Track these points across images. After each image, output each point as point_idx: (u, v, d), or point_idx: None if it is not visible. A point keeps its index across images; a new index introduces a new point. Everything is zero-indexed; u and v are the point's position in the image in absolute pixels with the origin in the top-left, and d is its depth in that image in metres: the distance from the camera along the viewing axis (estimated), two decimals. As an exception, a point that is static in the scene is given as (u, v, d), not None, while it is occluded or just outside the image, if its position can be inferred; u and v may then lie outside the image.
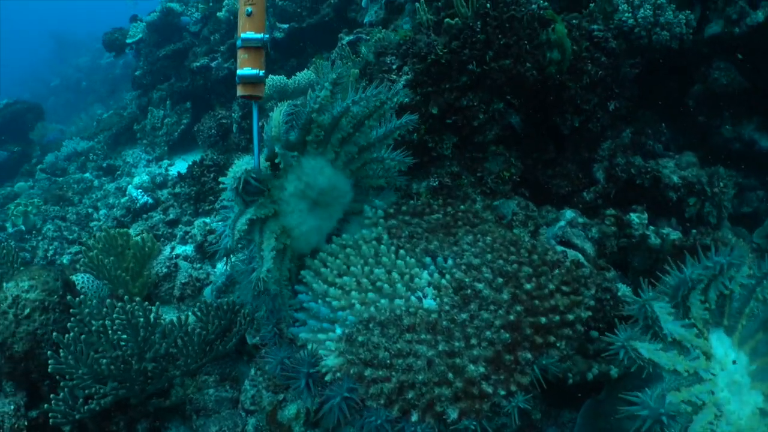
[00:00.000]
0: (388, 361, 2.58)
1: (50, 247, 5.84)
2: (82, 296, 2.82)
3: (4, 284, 3.17)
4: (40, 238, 6.57)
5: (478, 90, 3.65)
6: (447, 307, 2.80)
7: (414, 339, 2.66)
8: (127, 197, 6.48)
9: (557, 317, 2.77)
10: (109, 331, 2.84)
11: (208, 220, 5.69)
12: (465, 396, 2.51)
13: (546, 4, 3.87)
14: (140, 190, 6.40)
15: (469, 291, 2.86)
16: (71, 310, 2.82)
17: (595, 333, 2.98)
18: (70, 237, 6.15)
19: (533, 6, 3.74)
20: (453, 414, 2.44)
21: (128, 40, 8.69)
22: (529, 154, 4.12)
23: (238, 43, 2.69)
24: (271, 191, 2.94)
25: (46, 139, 10.55)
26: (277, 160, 2.87)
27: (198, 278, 4.61)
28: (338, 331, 2.76)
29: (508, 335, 2.66)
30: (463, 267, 3.00)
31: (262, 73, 2.71)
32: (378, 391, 2.51)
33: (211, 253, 5.04)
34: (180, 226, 5.71)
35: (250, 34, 2.66)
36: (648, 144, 4.59)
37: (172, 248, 5.26)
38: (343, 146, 3.11)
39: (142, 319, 2.87)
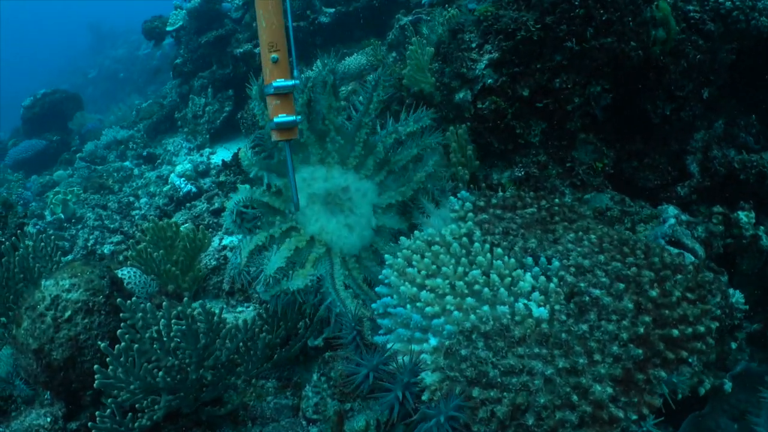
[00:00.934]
0: (499, 380, 2.08)
1: (90, 237, 5.43)
2: (133, 299, 2.34)
3: (43, 282, 2.71)
4: (80, 226, 6.17)
5: (572, 71, 3.13)
6: (563, 317, 2.29)
7: (526, 353, 2.16)
8: (169, 185, 6.05)
9: (689, 329, 2.27)
10: (165, 338, 2.37)
11: (254, 210, 5.24)
12: (593, 421, 2.02)
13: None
14: (183, 179, 5.96)
15: (585, 298, 2.36)
16: (121, 315, 2.35)
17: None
18: (111, 226, 5.73)
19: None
20: (581, 445, 1.95)
21: (168, 28, 8.23)
22: (611, 143, 3.59)
23: (269, 90, 2.56)
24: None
25: (85, 128, 10.18)
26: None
27: (248, 271, 4.14)
28: (433, 341, 2.26)
29: (640, 351, 2.15)
30: (572, 269, 2.49)
31: (298, 118, 2.59)
32: (488, 415, 2.02)
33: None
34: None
35: (280, 82, 2.53)
36: (740, 136, 4.02)
37: (221, 239, 4.81)
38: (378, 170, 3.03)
39: (203, 325, 2.40)
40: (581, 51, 3.04)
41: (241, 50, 6.77)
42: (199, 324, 2.38)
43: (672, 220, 3.07)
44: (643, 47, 3.17)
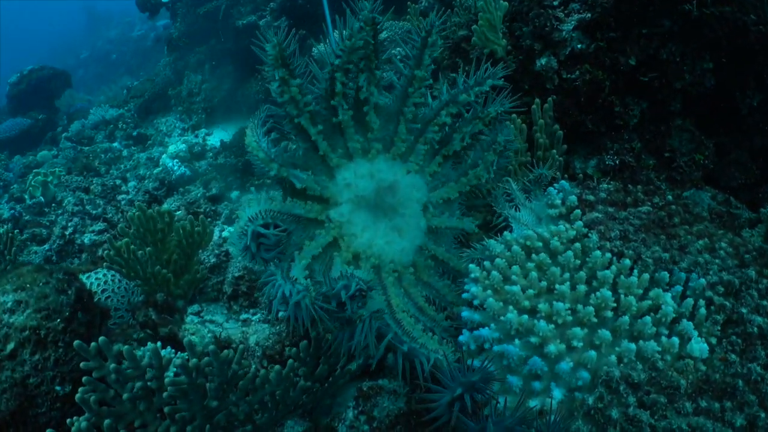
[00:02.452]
0: (670, 459, 1.28)
1: (69, 224, 4.48)
2: (101, 338, 1.46)
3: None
4: (60, 211, 5.18)
5: (682, 41, 2.34)
6: (733, 357, 1.51)
7: (692, 409, 1.37)
8: (161, 167, 5.12)
9: None
10: (155, 396, 1.51)
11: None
12: None
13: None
14: (176, 160, 5.03)
15: (751, 329, 1.58)
16: (82, 365, 1.46)
17: None
18: (94, 212, 4.76)
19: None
20: None
21: (164, -1, 7.23)
22: (710, 133, 2.82)
23: None
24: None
25: (73, 108, 9.10)
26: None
27: (253, 270, 3.26)
28: (557, 394, 1.45)
29: None
30: (720, 288, 1.71)
31: None
32: None
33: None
34: (225, 202, 4.36)
35: None
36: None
37: (221, 231, 3.91)
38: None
39: (216, 380, 1.52)
40: (699, 18, 2.25)
41: (244, 22, 5.81)
42: (208, 374, 1.50)
43: (803, 228, 2.30)
44: (763, 23, 2.39)
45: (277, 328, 2.56)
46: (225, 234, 3.90)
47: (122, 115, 7.26)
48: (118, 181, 5.43)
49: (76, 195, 4.94)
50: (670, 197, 2.14)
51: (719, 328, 1.63)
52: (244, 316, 3.20)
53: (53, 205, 5.66)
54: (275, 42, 1.90)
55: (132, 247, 2.41)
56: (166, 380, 1.41)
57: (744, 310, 1.66)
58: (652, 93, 2.35)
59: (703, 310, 1.64)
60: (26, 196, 6.00)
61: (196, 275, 2.77)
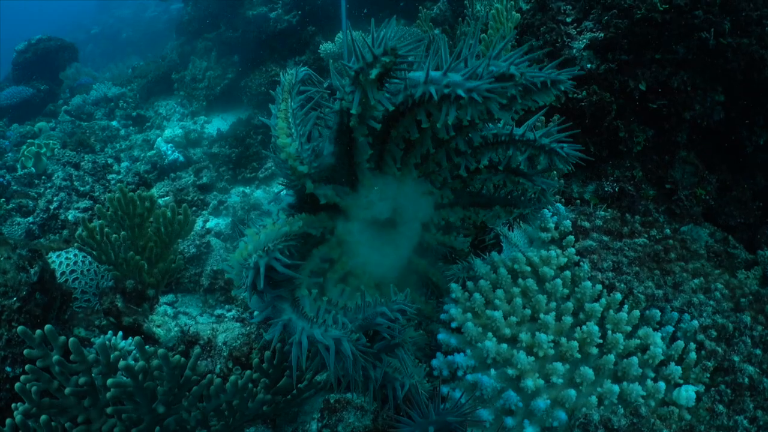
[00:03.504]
0: None
1: (55, 199, 4.35)
2: (47, 327, 1.33)
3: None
4: (49, 185, 5.05)
5: (695, 70, 2.23)
6: (719, 406, 1.40)
7: (682, 474, 1.25)
8: (154, 151, 4.99)
9: None
10: (99, 394, 1.38)
11: (248, 189, 4.22)
12: None
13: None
14: (171, 145, 4.90)
15: (741, 379, 1.47)
16: (26, 352, 1.33)
17: None
18: (81, 189, 4.64)
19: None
20: None
21: (178, -16, 7.08)
22: (713, 168, 2.72)
23: None
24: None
25: (77, 82, 8.94)
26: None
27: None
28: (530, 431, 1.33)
29: None
30: (713, 332, 1.60)
31: None
32: None
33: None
34: (214, 193, 4.24)
35: None
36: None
37: (205, 221, 3.79)
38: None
39: (167, 385, 1.39)
40: (715, 48, 2.15)
41: (254, 12, 5.68)
42: (157, 379, 1.37)
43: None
44: (782, 54, 2.29)
45: (247, 329, 2.43)
46: (209, 225, 3.78)
47: (124, 94, 7.13)
48: (110, 160, 5.30)
49: (66, 170, 4.81)
50: (668, 231, 2.02)
51: (708, 375, 1.52)
52: (218, 311, 3.07)
53: (43, 177, 5.52)
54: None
55: (106, 229, 2.28)
56: (109, 381, 1.28)
57: (736, 359, 1.55)
58: (660, 121, 2.25)
59: (693, 355, 1.53)
60: (18, 166, 5.86)
61: (172, 265, 2.64)
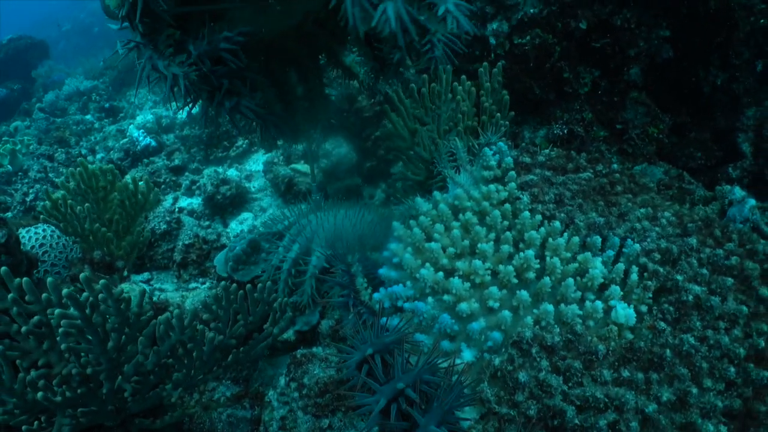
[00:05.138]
0: (576, 422, 1.21)
1: (30, 191, 4.35)
2: (2, 268, 1.36)
3: None
4: (26, 180, 5.05)
5: (638, 6, 2.25)
6: (661, 323, 1.43)
7: (613, 378, 1.29)
8: (127, 138, 4.98)
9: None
10: (57, 335, 1.41)
11: (220, 169, 4.23)
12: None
13: None
14: (142, 131, 4.89)
15: (685, 296, 1.50)
16: None
17: None
18: (57, 180, 4.64)
19: None
20: None
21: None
22: (666, 108, 2.74)
23: None
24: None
25: (51, 79, 8.88)
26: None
27: (206, 239, 3.17)
28: (467, 355, 1.37)
29: (766, 374, 1.32)
30: (657, 255, 1.63)
31: None
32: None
33: (223, 207, 3.59)
34: (186, 174, 4.25)
35: None
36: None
37: (175, 199, 3.80)
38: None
39: (114, 320, 1.43)
40: (656, -21, 2.16)
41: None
42: (107, 316, 1.41)
43: (752, 201, 2.23)
44: (724, -11, 2.31)
45: (214, 291, 2.47)
46: (182, 204, 3.80)
47: (96, 87, 7.08)
48: (84, 151, 5.30)
49: (40, 162, 4.80)
50: (615, 166, 2.05)
51: (650, 295, 1.55)
52: (193, 284, 3.11)
53: (20, 174, 5.51)
54: None
55: (70, 201, 2.29)
56: (57, 311, 1.31)
57: (679, 278, 1.57)
58: (605, 60, 2.27)
59: (635, 277, 1.56)
60: (-6, 165, 5.82)
61: (139, 238, 2.66)
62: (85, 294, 1.32)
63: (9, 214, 4.45)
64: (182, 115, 5.47)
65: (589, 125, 2.32)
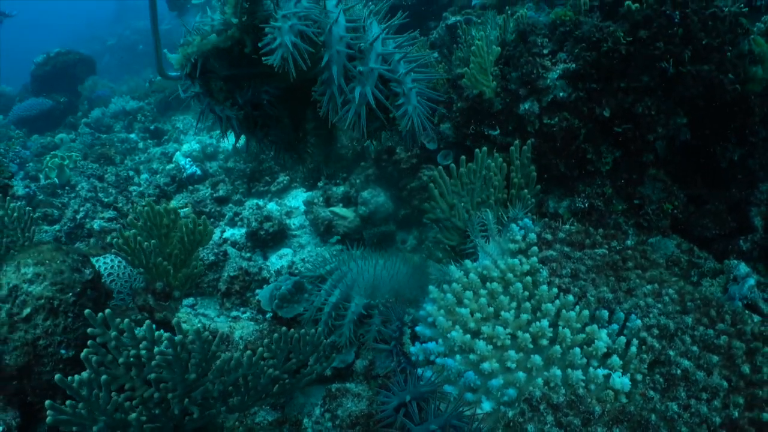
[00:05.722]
0: (573, 473, 1.53)
1: (81, 209, 4.81)
2: (107, 311, 1.74)
3: (3, 266, 2.10)
4: (73, 195, 5.53)
5: (659, 97, 2.59)
6: (650, 392, 1.75)
7: (607, 440, 1.61)
8: (173, 165, 5.44)
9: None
10: (144, 365, 1.78)
11: (261, 202, 4.64)
12: None
13: (745, 8, 2.79)
14: (188, 159, 5.35)
15: (675, 370, 1.82)
16: (89, 330, 1.74)
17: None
18: (105, 200, 5.10)
19: (734, 7, 2.67)
20: None
21: (194, 0, 7.60)
22: (682, 185, 3.06)
23: None
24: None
25: (96, 93, 9.50)
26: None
27: (248, 272, 3.55)
28: (486, 406, 1.70)
29: None
30: (655, 331, 1.95)
31: None
32: None
33: (264, 241, 3.98)
34: (230, 205, 4.66)
35: None
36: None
37: (222, 232, 4.21)
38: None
39: (197, 356, 1.80)
40: (676, 75, 2.51)
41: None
42: (191, 351, 1.78)
43: (752, 281, 2.53)
44: (740, 82, 2.64)
45: (260, 326, 2.84)
46: (226, 234, 4.20)
47: (142, 108, 7.63)
48: (131, 173, 5.78)
49: (90, 181, 5.28)
50: (629, 242, 2.38)
51: (646, 366, 1.86)
52: (234, 313, 3.49)
53: (66, 188, 6.00)
54: None
55: (139, 238, 2.70)
56: (156, 349, 1.68)
57: (672, 353, 1.89)
58: (626, 143, 2.61)
59: (633, 349, 1.88)
60: (41, 176, 6.34)
61: (194, 270, 3.06)
62: (177, 337, 1.69)
63: (56, 227, 4.90)
64: (225, 144, 5.94)
65: (608, 200, 2.66)
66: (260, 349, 1.93)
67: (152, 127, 7.13)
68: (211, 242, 3.59)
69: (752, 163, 3.11)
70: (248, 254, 3.91)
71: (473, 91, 2.72)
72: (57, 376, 1.58)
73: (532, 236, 2.16)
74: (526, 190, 2.47)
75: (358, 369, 2.56)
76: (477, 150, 2.43)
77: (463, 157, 2.43)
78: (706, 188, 3.17)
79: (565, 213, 2.63)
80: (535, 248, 2.13)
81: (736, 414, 1.76)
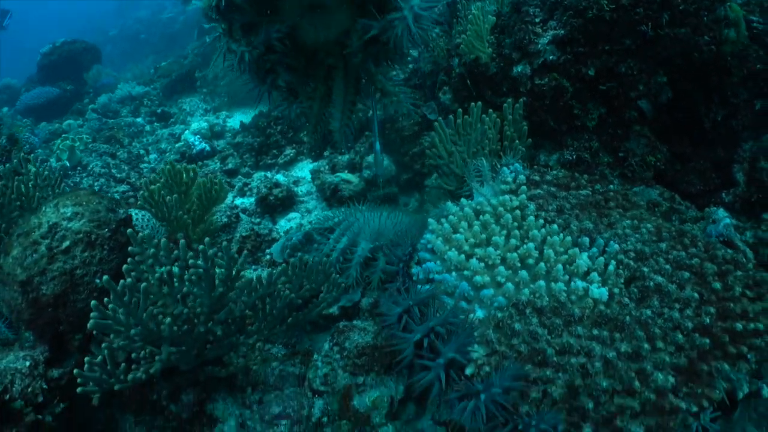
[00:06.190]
0: (555, 359, 1.81)
1: (95, 184, 5.09)
2: (146, 230, 2.02)
3: (42, 207, 2.36)
4: (84, 175, 5.82)
5: (640, 58, 2.86)
6: (624, 299, 2.02)
7: (585, 334, 1.89)
8: (182, 142, 5.72)
9: (750, 324, 2.05)
10: (176, 282, 2.06)
11: (269, 174, 4.92)
12: (654, 410, 1.77)
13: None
14: (197, 136, 5.63)
15: (648, 283, 2.09)
16: (130, 248, 2.02)
17: None
18: (119, 175, 5.39)
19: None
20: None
21: (199, -12, 7.86)
22: (664, 140, 3.33)
23: None
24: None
25: (100, 82, 9.79)
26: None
27: (259, 233, 3.84)
28: (480, 313, 1.98)
29: (707, 340, 1.90)
30: (632, 254, 2.23)
31: None
32: (540, 396, 1.74)
33: (273, 207, 4.26)
34: (239, 177, 4.94)
35: None
36: (789, 154, 3.77)
37: (234, 197, 4.50)
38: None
39: (223, 270, 2.08)
40: (654, 37, 2.78)
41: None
42: (219, 269, 2.06)
43: (727, 220, 2.80)
44: (715, 43, 2.92)
45: (273, 269, 3.12)
46: (237, 202, 4.49)
47: (148, 93, 7.92)
48: (141, 151, 6.06)
49: (103, 158, 5.57)
50: (611, 186, 2.65)
51: (623, 281, 2.13)
52: (247, 272, 3.77)
53: (78, 168, 6.28)
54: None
55: (162, 192, 2.99)
56: (191, 261, 1.96)
57: (646, 270, 2.16)
58: (610, 100, 2.88)
59: (611, 268, 2.15)
60: (52, 160, 6.61)
61: (210, 226, 3.34)
62: (210, 251, 1.97)
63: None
64: (233, 123, 6.23)
65: (595, 153, 2.93)
66: (278, 269, 2.21)
67: (159, 111, 7.41)
68: (223, 205, 3.87)
69: (735, 124, 3.39)
70: (258, 219, 4.19)
71: (470, 56, 2.99)
72: (105, 278, 1.85)
73: (522, 178, 2.44)
74: (518, 142, 2.75)
75: (364, 306, 2.84)
76: (473, 103, 2.71)
77: (460, 110, 2.71)
78: (692, 147, 3.45)
79: (555, 165, 2.90)
80: (524, 188, 2.41)
81: (708, 320, 2.02)
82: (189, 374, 2.53)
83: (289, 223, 4.08)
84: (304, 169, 4.85)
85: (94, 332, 2.15)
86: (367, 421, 2.55)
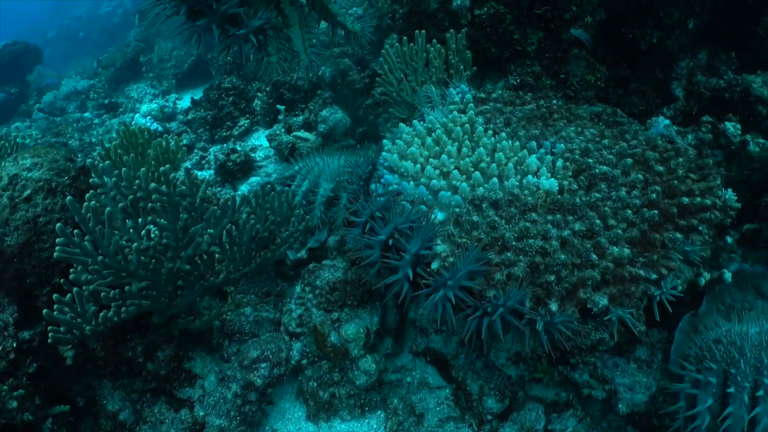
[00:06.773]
0: (514, 243, 1.91)
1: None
2: (107, 161, 2.04)
3: (2, 162, 2.36)
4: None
5: (570, -22, 2.98)
6: (574, 187, 2.15)
7: (540, 220, 2.00)
8: (133, 127, 5.64)
9: (698, 199, 2.19)
10: (140, 217, 2.08)
11: (225, 146, 4.91)
12: (614, 279, 1.90)
13: None
14: (149, 117, 5.58)
15: (595, 171, 2.22)
16: (91, 180, 2.04)
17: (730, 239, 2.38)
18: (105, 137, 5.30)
19: None
20: (602, 301, 1.82)
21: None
22: (603, 61, 3.48)
23: None
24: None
25: (43, 83, 9.54)
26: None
27: (219, 198, 3.85)
28: (440, 215, 2.07)
29: (656, 212, 2.05)
30: (578, 152, 2.36)
31: None
32: (505, 277, 1.85)
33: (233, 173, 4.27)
34: (195, 151, 4.93)
35: None
36: (722, 69, 3.97)
37: (193, 165, 4.49)
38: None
39: (187, 200, 2.12)
40: (583, -44, 2.90)
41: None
42: (183, 197, 2.10)
43: (667, 122, 2.96)
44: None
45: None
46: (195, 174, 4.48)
47: (93, 86, 7.76)
48: (93, 140, 5.97)
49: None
50: (555, 101, 2.77)
51: (570, 173, 2.25)
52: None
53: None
54: None
55: (119, 150, 2.99)
56: (152, 186, 1.98)
57: (591, 161, 2.29)
58: (547, 23, 3.00)
59: (560, 163, 2.27)
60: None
61: (171, 189, 3.35)
62: (172, 176, 2.01)
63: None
64: (184, 104, 6.17)
65: (538, 76, 3.05)
66: (239, 196, 2.25)
67: (107, 102, 7.28)
68: (181, 174, 3.87)
69: (670, 44, 3.56)
70: (219, 188, 4.20)
71: (411, -8, 3.07)
72: (68, 198, 1.86)
73: (469, 97, 2.54)
74: (462, 68, 2.84)
75: (332, 245, 2.91)
76: (417, 32, 2.79)
77: (405, 37, 2.79)
78: (630, 70, 3.61)
79: (501, 91, 3.01)
80: (472, 105, 2.51)
81: (654, 196, 2.14)
82: (162, 329, 2.55)
83: (250, 187, 4.11)
84: (260, 138, 4.87)
85: (62, 282, 2.14)
86: (345, 354, 2.64)
